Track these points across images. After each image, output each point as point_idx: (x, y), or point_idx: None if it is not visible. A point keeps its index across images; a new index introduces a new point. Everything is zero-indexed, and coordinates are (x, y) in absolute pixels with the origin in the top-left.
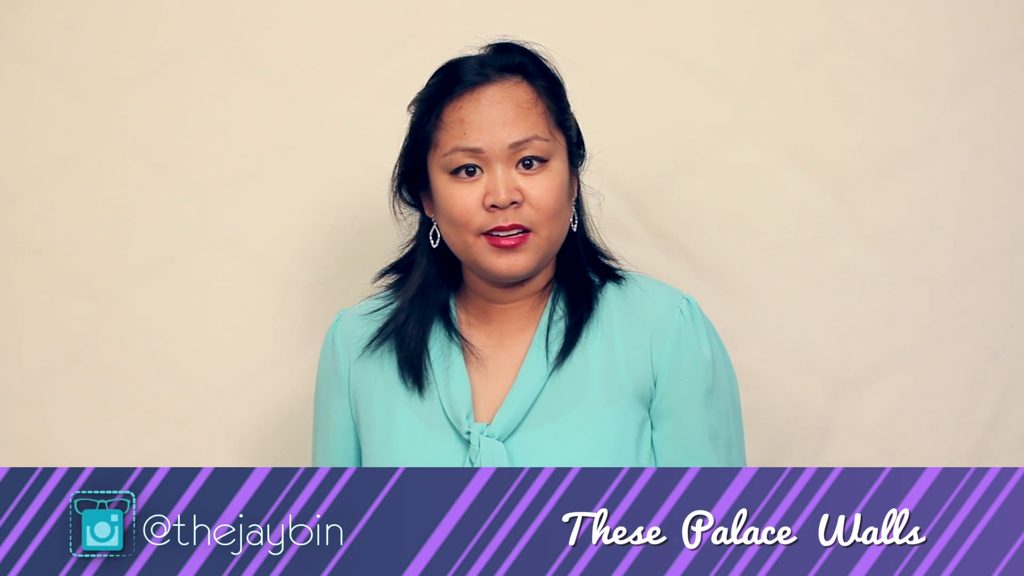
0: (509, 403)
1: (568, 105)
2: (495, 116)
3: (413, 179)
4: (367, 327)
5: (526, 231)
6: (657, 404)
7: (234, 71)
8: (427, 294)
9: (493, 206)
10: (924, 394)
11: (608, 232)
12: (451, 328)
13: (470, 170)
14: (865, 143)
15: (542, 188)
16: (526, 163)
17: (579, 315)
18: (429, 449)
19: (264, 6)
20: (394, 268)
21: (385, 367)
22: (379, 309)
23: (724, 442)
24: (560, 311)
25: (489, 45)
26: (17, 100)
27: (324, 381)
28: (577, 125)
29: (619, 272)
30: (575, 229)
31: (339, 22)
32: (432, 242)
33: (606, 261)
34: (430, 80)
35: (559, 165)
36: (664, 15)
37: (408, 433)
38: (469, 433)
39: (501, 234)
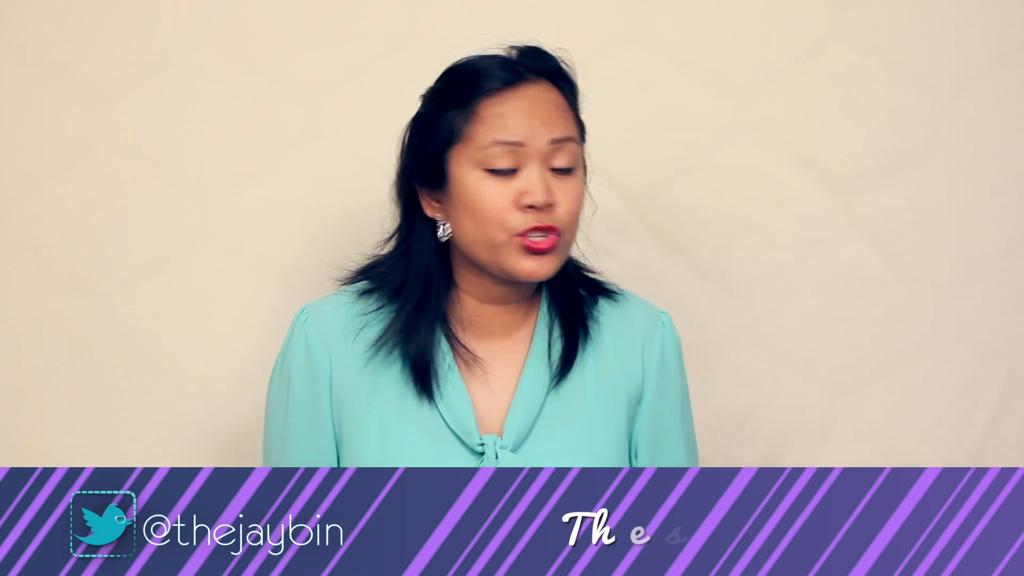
0: (515, 414)
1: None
2: (536, 113)
3: (423, 177)
4: (350, 320)
5: (556, 233)
6: (643, 406)
7: (234, 71)
8: (430, 298)
9: (529, 206)
10: (924, 394)
11: (608, 232)
12: (449, 335)
13: (507, 169)
14: (865, 143)
15: (572, 194)
16: (558, 170)
17: (575, 335)
18: (436, 459)
19: (264, 6)
20: (372, 268)
21: (379, 372)
22: (363, 305)
23: (693, 450)
24: (558, 329)
25: (514, 47)
26: (17, 100)
27: (296, 383)
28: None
29: (607, 286)
30: None
31: (339, 22)
32: (440, 237)
33: (591, 275)
34: (452, 75)
35: (581, 173)
36: (664, 15)
37: (409, 444)
38: (482, 445)
39: (537, 236)
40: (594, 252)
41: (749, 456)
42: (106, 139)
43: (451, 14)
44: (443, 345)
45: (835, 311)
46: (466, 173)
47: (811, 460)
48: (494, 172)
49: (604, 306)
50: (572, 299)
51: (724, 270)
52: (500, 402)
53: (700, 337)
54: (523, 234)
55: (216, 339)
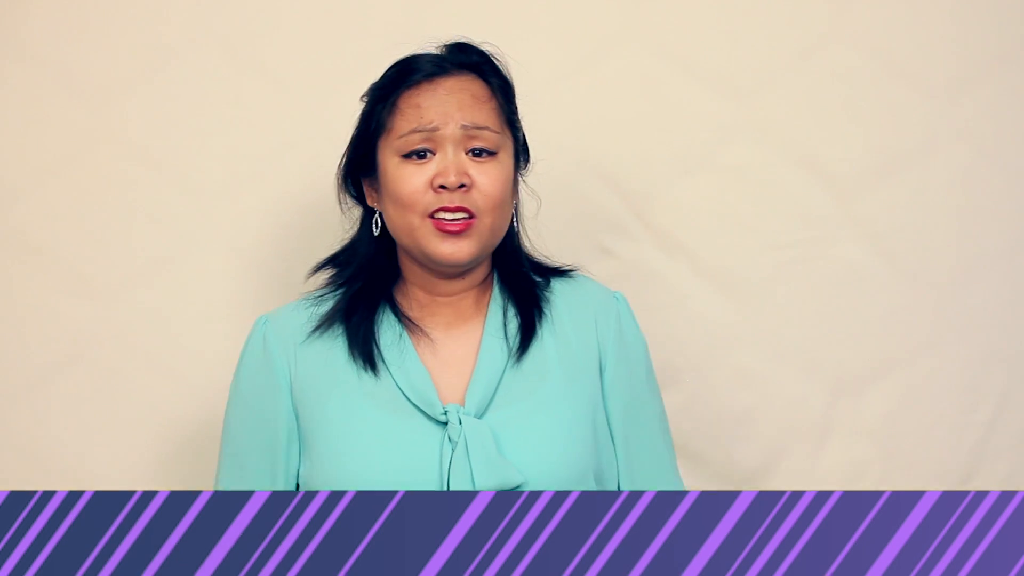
0: (476, 384)
1: (517, 108)
2: (451, 102)
3: (359, 167)
4: (306, 316)
5: (471, 216)
6: (610, 382)
7: (234, 71)
8: (373, 285)
9: (441, 187)
10: (924, 394)
11: (608, 232)
12: (399, 315)
13: (421, 154)
14: (865, 143)
15: (490, 176)
16: (476, 152)
17: (531, 311)
18: (400, 433)
19: (265, 6)
20: (332, 261)
21: (330, 356)
22: (318, 299)
23: (666, 429)
24: (512, 308)
25: (445, 45)
26: (17, 100)
27: (251, 387)
28: (523, 130)
29: (559, 267)
30: (514, 228)
31: (339, 22)
32: (374, 229)
33: (542, 261)
34: (385, 72)
35: (507, 159)
36: (664, 15)
37: (371, 420)
38: (445, 413)
39: (447, 216)
40: (594, 252)
41: (749, 456)
42: (107, 139)
43: (451, 14)
44: (394, 324)
45: (835, 311)
46: (388, 161)
47: (811, 460)
48: (410, 157)
49: (556, 285)
50: (522, 282)
51: (724, 270)
52: (459, 379)
53: (700, 337)
54: (434, 214)
55: (216, 339)
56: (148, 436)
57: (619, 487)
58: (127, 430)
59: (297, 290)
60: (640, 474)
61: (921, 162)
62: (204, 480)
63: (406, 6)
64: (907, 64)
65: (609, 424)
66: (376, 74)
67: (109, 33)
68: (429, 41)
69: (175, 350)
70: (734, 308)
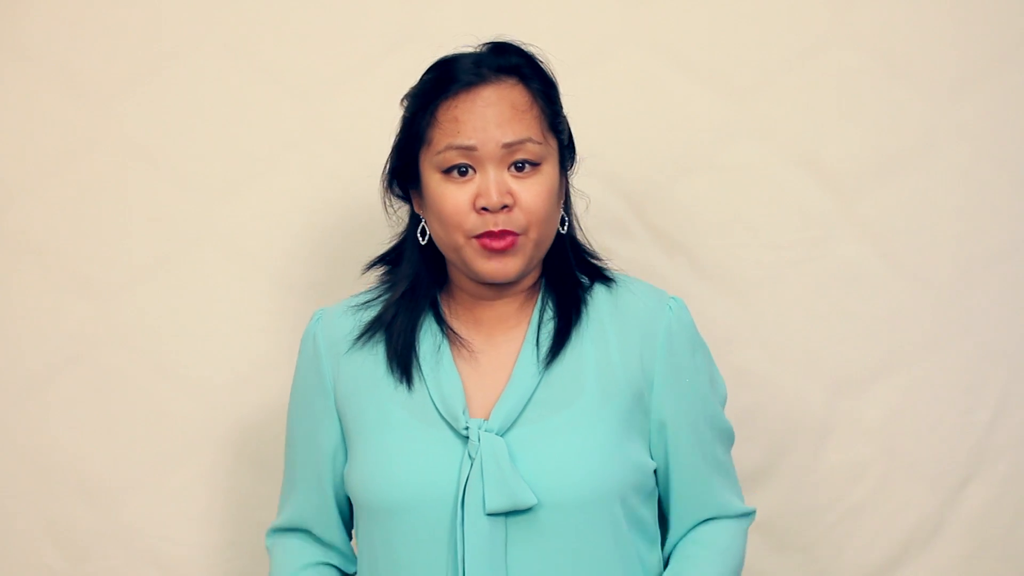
0: (505, 399)
1: (561, 108)
2: (490, 116)
3: (404, 175)
4: (353, 322)
5: (516, 234)
6: (660, 402)
7: (234, 71)
8: (417, 290)
9: (484, 208)
10: (924, 394)
11: (608, 232)
12: (441, 323)
13: (462, 170)
14: (865, 143)
15: (533, 192)
16: (518, 166)
17: (568, 317)
18: (425, 444)
19: (265, 6)
20: (382, 260)
21: (372, 362)
22: (365, 303)
23: (728, 435)
24: (550, 312)
25: (485, 44)
26: (17, 100)
27: (305, 382)
28: (569, 128)
29: (608, 273)
30: (564, 232)
31: (339, 22)
32: (421, 239)
33: (594, 262)
34: (424, 76)
35: (550, 169)
36: (664, 15)
37: (401, 429)
38: (467, 428)
39: (492, 237)
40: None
41: (749, 456)
42: (106, 139)
43: (451, 14)
44: (433, 334)
45: (835, 311)
46: (430, 176)
47: (811, 460)
48: (451, 175)
49: (601, 291)
50: (566, 281)
51: (724, 270)
52: (494, 389)
53: None
54: (479, 236)
55: (216, 339)
56: (148, 436)
57: (665, 509)
58: (127, 430)
59: (296, 289)
60: (687, 497)
61: (921, 162)
62: (202, 480)
63: (406, 6)
64: (907, 64)
65: (651, 446)
66: (375, 74)
67: (109, 33)
68: (470, 40)
69: (175, 350)
70: (734, 308)
